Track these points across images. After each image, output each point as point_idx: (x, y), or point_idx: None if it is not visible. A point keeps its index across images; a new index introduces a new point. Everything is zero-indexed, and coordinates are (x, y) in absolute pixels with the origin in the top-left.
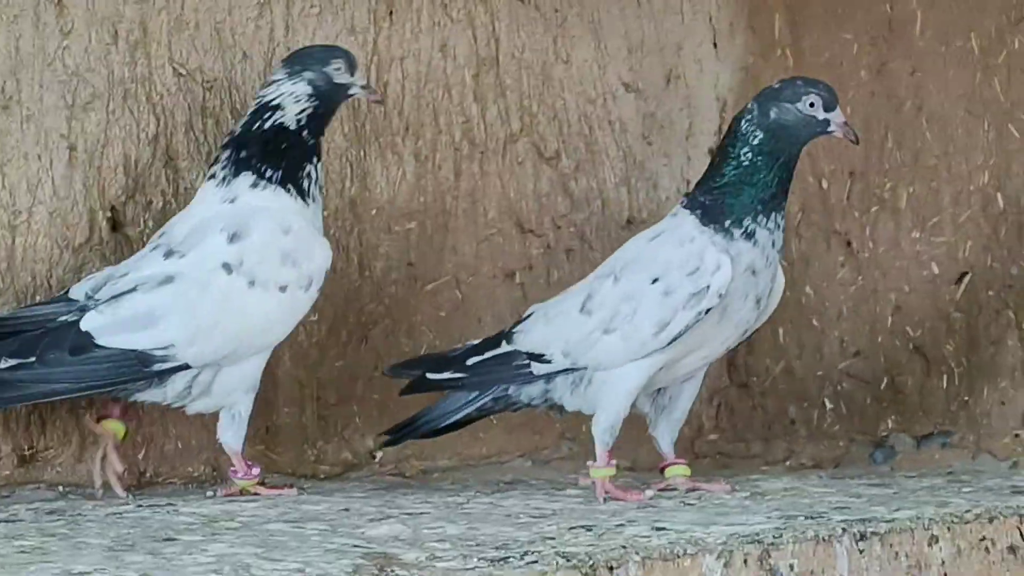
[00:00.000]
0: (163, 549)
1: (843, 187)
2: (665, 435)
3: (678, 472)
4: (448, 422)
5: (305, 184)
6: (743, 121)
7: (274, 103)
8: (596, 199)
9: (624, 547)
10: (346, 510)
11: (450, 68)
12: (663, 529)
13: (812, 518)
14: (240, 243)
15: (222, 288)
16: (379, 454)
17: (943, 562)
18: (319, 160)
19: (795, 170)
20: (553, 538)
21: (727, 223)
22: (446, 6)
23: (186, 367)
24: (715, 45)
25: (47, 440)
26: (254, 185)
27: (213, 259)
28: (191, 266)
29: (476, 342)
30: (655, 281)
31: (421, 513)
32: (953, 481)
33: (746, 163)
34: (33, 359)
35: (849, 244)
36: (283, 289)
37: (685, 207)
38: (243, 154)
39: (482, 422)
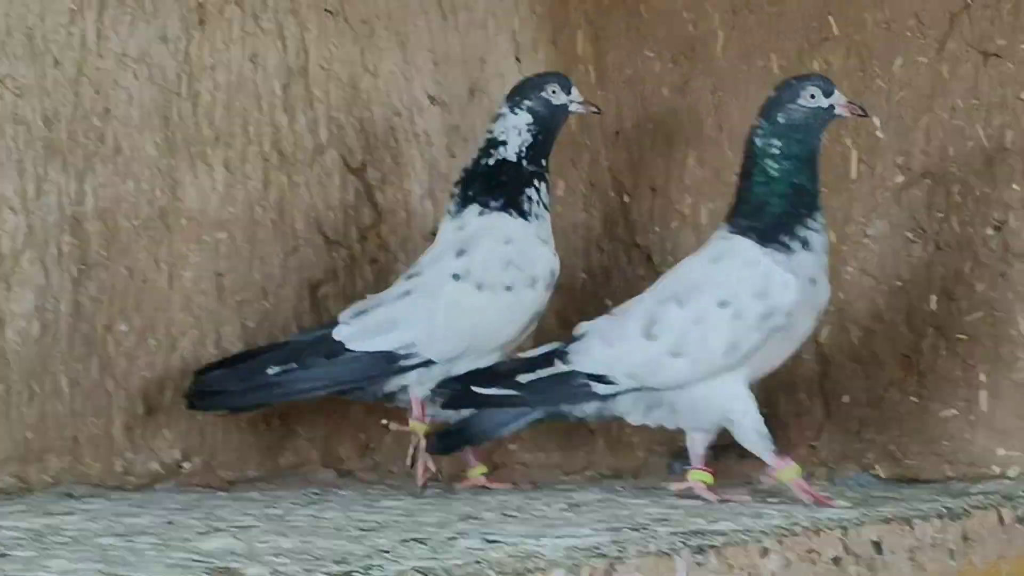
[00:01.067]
0: (3, 566)
1: (645, 202)
2: (700, 437)
3: (700, 477)
4: (500, 433)
5: (526, 206)
6: (756, 139)
7: (500, 138)
8: (401, 210)
9: (479, 562)
10: (170, 523)
11: (260, 78)
12: (496, 542)
13: (638, 530)
14: (467, 256)
15: (452, 294)
16: (186, 465)
17: (773, 573)
18: (542, 180)
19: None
20: (388, 551)
21: (783, 237)
22: (256, 16)
23: (430, 363)
24: (518, 59)
25: None
26: (480, 213)
27: (444, 272)
28: (426, 281)
29: (521, 356)
30: (723, 304)
31: (249, 526)
32: (758, 491)
33: (775, 175)
34: (296, 364)
35: (649, 258)
36: (509, 289)
37: (735, 233)
38: (470, 191)
39: (288, 434)
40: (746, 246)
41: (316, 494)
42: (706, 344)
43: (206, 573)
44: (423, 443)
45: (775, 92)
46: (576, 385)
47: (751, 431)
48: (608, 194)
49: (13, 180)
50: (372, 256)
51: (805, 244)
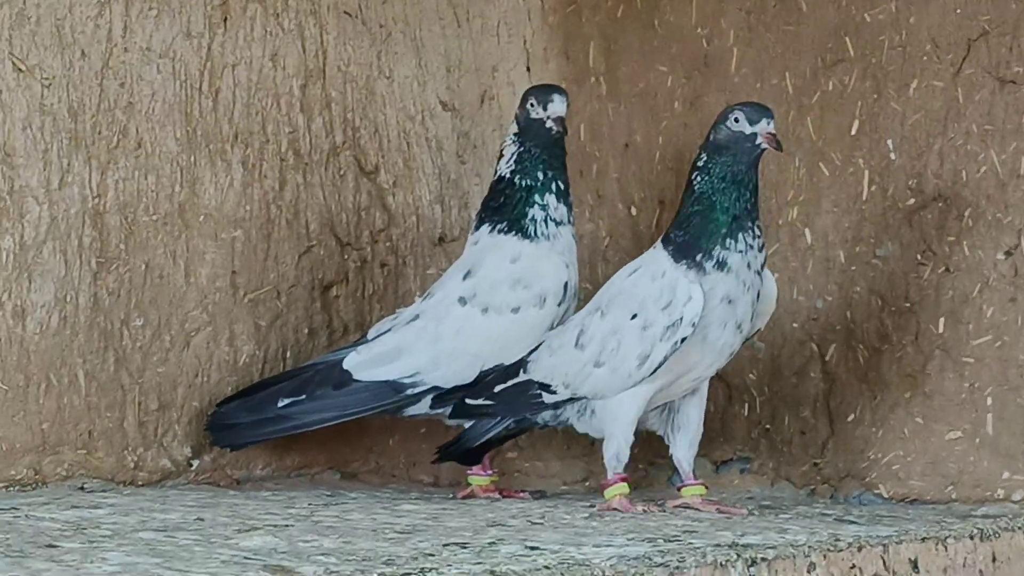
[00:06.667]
0: (61, 556)
1: (652, 215)
2: (683, 454)
3: (695, 492)
4: (480, 442)
5: (531, 228)
6: (698, 149)
7: (501, 149)
8: (412, 215)
9: (547, 567)
10: (200, 519)
11: (279, 77)
12: (536, 548)
13: (671, 542)
14: (472, 279)
15: (457, 319)
16: (196, 463)
17: None
18: (547, 193)
19: (755, 191)
20: (432, 554)
21: (698, 257)
22: (278, 15)
23: (437, 389)
24: (528, 69)
25: None
26: (490, 232)
27: (450, 296)
28: (433, 304)
29: (507, 366)
30: (634, 316)
31: (284, 525)
32: (768, 508)
33: (698, 190)
34: (304, 396)
35: None
36: (515, 311)
37: (661, 242)
38: (482, 211)
39: (295, 436)
40: (660, 258)
41: (328, 495)
42: (620, 355)
43: (264, 570)
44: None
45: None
46: (531, 394)
47: (612, 448)
48: (616, 206)
49: (38, 170)
50: (382, 260)
51: (721, 265)
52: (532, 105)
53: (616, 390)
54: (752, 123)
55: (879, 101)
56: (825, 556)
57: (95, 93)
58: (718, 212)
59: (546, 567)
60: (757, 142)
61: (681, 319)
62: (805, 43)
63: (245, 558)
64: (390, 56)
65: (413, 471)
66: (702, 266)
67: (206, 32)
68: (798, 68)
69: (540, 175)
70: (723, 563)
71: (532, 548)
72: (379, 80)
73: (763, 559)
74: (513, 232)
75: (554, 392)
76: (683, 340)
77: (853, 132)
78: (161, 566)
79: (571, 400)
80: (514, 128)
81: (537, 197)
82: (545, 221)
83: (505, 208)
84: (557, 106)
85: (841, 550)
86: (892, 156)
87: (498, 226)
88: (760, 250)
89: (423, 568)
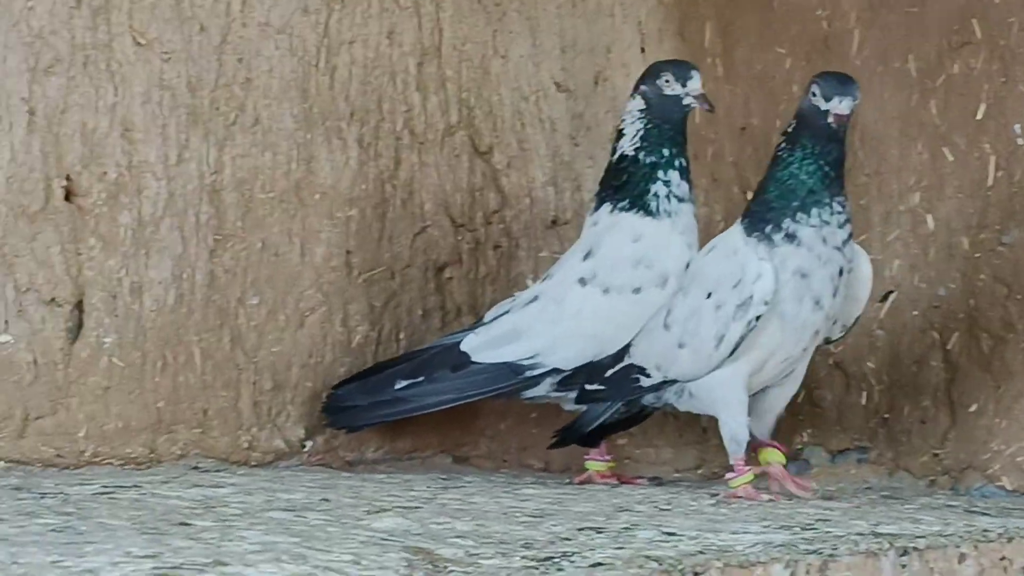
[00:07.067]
0: (198, 534)
1: None
2: (757, 423)
3: (774, 458)
4: (593, 427)
5: (653, 204)
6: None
7: (621, 127)
8: (525, 197)
9: (702, 552)
10: (325, 500)
11: (396, 55)
12: (674, 534)
13: (808, 529)
14: (592, 259)
15: (577, 299)
16: (309, 444)
17: None
18: (670, 169)
19: (835, 166)
20: (569, 539)
21: (767, 229)
22: None
23: (557, 371)
24: (643, 50)
25: None
26: (611, 211)
27: (570, 277)
28: (553, 285)
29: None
30: (709, 295)
31: (412, 507)
32: (890, 498)
33: (783, 158)
34: (422, 378)
35: None
36: (637, 291)
37: (742, 216)
38: (602, 191)
39: (407, 419)
40: (735, 234)
41: (444, 479)
42: (699, 335)
43: (404, 551)
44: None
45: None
46: (632, 378)
47: (727, 433)
48: (731, 190)
49: (157, 146)
50: (495, 242)
51: (791, 238)
52: (667, 81)
53: (701, 371)
54: (827, 99)
55: (1007, 84)
56: (976, 547)
57: (213, 68)
58: (795, 183)
59: (700, 552)
60: (829, 120)
61: (751, 297)
62: (930, 25)
63: (382, 539)
64: (505, 35)
65: (524, 456)
66: (771, 238)
67: (323, 8)
68: (922, 51)
69: (665, 151)
70: (875, 552)
71: (669, 534)
72: (494, 59)
73: (915, 548)
74: (635, 209)
75: (649, 376)
76: (757, 319)
77: (979, 116)
78: (300, 545)
79: (665, 383)
80: (638, 104)
81: (660, 173)
82: (668, 197)
83: (628, 186)
84: (696, 83)
85: (991, 540)
86: (1020, 141)
87: (619, 204)
88: (841, 227)
89: (564, 552)
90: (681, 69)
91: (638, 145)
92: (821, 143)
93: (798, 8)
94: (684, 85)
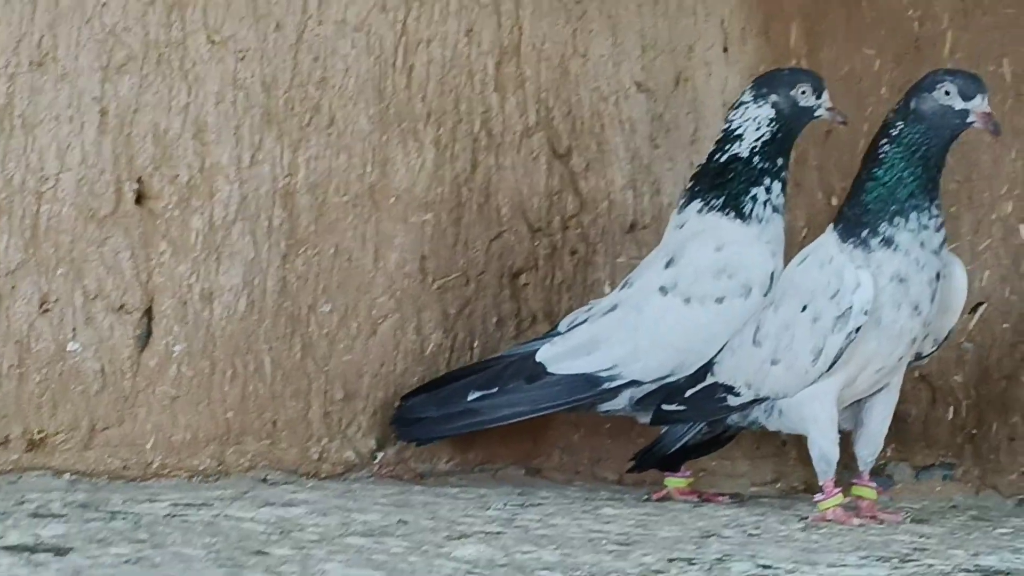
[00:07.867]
0: (278, 567)
1: None
2: (864, 450)
3: (867, 495)
4: (674, 449)
5: (748, 207)
6: (890, 113)
7: (736, 131)
8: (603, 200)
9: None
10: (402, 522)
11: (474, 54)
12: (769, 567)
13: (907, 561)
14: (674, 267)
15: (658, 309)
16: (379, 455)
17: None
18: (776, 180)
19: (940, 170)
20: (661, 572)
21: (863, 233)
22: None
23: (635, 383)
24: (725, 49)
25: (57, 424)
26: (699, 211)
27: (651, 285)
28: (633, 293)
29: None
30: (804, 308)
31: (494, 533)
32: (980, 519)
33: (884, 160)
34: (496, 389)
35: None
36: (719, 301)
37: (834, 221)
38: (696, 186)
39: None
40: (829, 242)
41: (519, 494)
42: (793, 350)
43: None
44: None
45: (914, 84)
46: (717, 398)
47: (816, 452)
48: (815, 195)
49: (229, 147)
50: (572, 247)
51: (888, 243)
52: (803, 93)
53: (796, 388)
54: (965, 98)
55: None
56: None
57: (288, 67)
58: (895, 186)
59: None
60: (969, 119)
61: (851, 308)
62: None
63: (467, 572)
64: (585, 34)
65: (598, 468)
66: (867, 243)
67: (402, 5)
68: (1018, 54)
69: (780, 160)
70: None
71: (764, 567)
72: (573, 59)
73: None
74: (726, 210)
75: (738, 394)
76: (857, 330)
77: None
78: None
79: (756, 401)
80: (768, 113)
81: (767, 180)
82: (765, 204)
83: (728, 185)
84: (827, 95)
85: None
86: None
87: (712, 203)
88: (938, 230)
89: None
90: (817, 80)
91: (757, 149)
92: (939, 145)
93: (888, 8)
94: (819, 97)
